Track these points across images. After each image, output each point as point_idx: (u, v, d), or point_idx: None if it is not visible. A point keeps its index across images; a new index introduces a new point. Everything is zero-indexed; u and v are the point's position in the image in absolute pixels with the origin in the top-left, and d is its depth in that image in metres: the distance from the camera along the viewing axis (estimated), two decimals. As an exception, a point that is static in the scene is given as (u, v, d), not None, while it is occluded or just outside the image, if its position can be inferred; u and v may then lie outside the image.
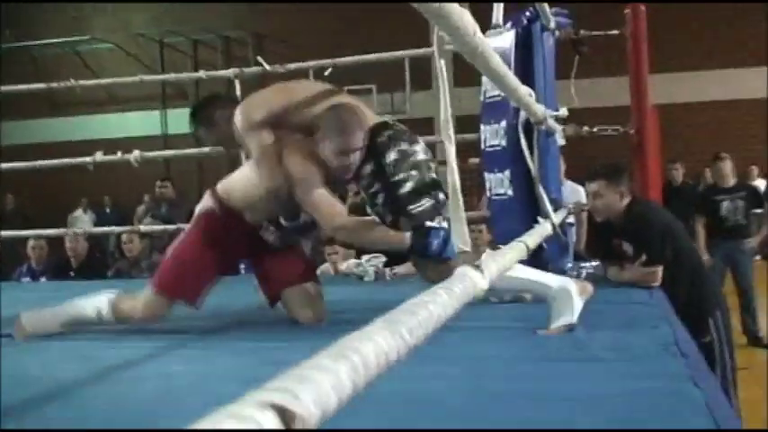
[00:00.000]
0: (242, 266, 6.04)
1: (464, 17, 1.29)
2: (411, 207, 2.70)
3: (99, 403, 2.11)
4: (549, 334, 2.70)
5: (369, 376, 0.67)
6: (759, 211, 7.03)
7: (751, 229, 6.93)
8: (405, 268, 4.99)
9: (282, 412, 0.49)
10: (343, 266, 5.15)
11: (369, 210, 2.84)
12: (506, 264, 1.60)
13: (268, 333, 3.09)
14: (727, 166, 7.00)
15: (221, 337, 3.06)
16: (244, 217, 3.07)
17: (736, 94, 13.68)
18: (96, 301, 3.04)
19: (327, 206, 2.79)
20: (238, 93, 5.13)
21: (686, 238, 4.22)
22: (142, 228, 5.84)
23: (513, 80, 2.07)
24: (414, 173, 2.74)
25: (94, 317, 3.03)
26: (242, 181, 3.15)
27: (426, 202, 2.68)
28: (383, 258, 4.70)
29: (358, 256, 4.94)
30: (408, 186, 2.73)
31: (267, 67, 4.94)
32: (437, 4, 1.09)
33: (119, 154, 5.19)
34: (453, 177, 1.45)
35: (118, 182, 13.56)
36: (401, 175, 2.75)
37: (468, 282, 1.20)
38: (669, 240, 3.80)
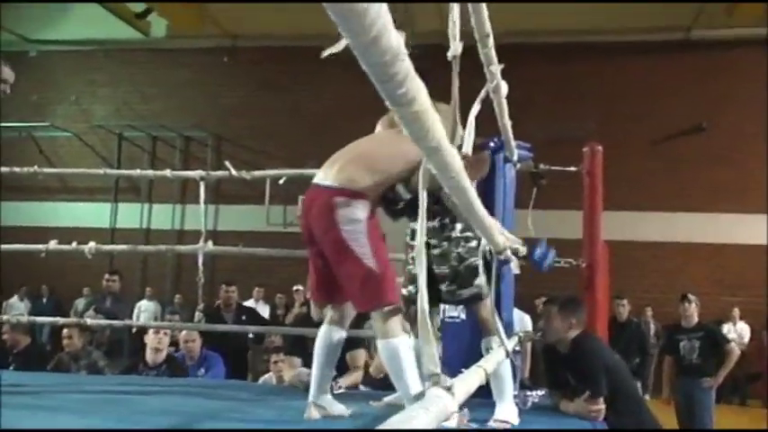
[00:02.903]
0: (201, 371, 5.92)
1: (454, 156, 1.38)
2: None
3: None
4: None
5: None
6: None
7: (709, 369, 7.10)
8: (349, 380, 4.96)
9: None
10: (287, 376, 5.08)
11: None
12: (471, 387, 1.63)
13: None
14: (692, 307, 7.28)
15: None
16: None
17: (680, 237, 14.15)
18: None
19: None
20: (202, 194, 5.15)
21: (627, 377, 4.32)
22: (88, 321, 5.71)
23: (483, 211, 2.16)
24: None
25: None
26: (384, 169, 3.25)
27: None
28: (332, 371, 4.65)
29: (305, 365, 4.88)
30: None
31: (234, 171, 5.00)
32: (435, 143, 1.18)
33: (73, 244, 5.14)
34: (423, 302, 1.50)
35: (57, 271, 13.35)
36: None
37: (441, 404, 1.23)
38: (610, 378, 3.89)
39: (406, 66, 0.96)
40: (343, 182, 3.18)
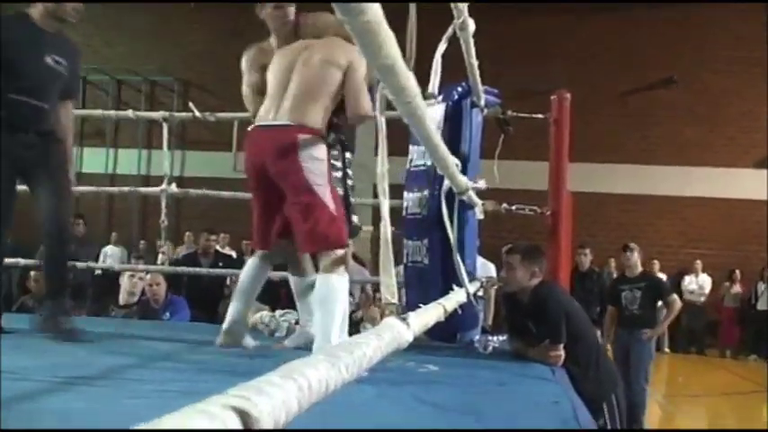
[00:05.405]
0: (166, 315, 5.94)
1: (410, 79, 1.35)
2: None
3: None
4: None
5: (311, 399, 0.70)
6: (660, 303, 7.20)
7: (649, 320, 7.06)
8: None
9: (243, 415, 0.51)
10: (251, 319, 5.08)
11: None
12: (428, 320, 1.64)
13: (172, 377, 3.02)
14: (634, 256, 7.22)
15: (127, 378, 2.97)
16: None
17: (646, 190, 14.30)
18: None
19: None
20: (165, 136, 5.09)
21: (587, 324, 4.35)
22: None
23: (443, 148, 2.15)
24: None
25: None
26: (320, 106, 3.31)
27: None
28: (296, 315, 4.67)
29: (272, 310, 4.89)
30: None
31: (197, 113, 4.95)
32: (390, 61, 1.14)
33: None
34: (386, 230, 1.51)
35: (21, 217, 13.13)
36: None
37: (395, 332, 1.24)
38: (568, 324, 3.92)
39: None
40: (302, 120, 3.21)
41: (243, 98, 3.77)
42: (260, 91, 3.58)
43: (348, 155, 3.72)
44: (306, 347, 3.38)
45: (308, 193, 3.15)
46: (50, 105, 3.81)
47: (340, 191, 3.54)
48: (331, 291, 3.13)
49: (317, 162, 3.16)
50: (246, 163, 3.38)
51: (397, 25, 1.13)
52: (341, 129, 3.57)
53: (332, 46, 3.43)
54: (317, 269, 3.42)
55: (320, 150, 3.19)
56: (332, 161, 3.44)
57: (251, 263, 3.52)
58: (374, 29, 1.03)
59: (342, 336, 3.13)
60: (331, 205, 3.17)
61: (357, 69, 3.34)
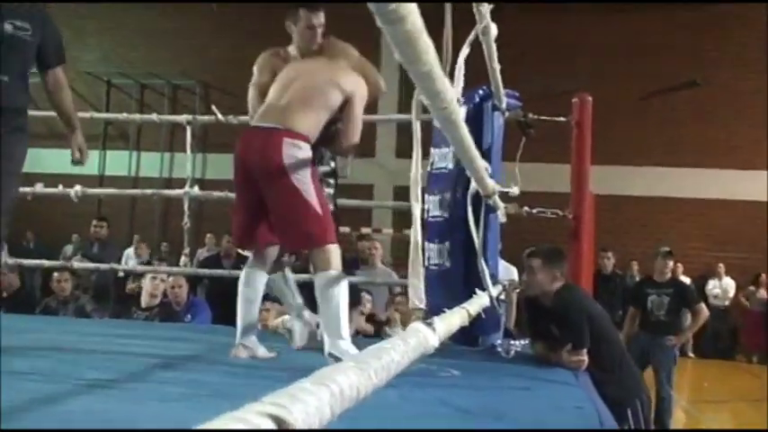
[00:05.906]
0: (188, 317, 5.98)
1: (446, 84, 1.36)
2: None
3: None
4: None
5: (343, 405, 0.70)
6: (686, 309, 7.13)
7: (675, 327, 6.99)
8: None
9: (279, 421, 0.52)
10: (273, 323, 5.09)
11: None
12: (453, 325, 1.65)
13: (199, 378, 3.04)
14: (668, 263, 7.15)
15: (151, 380, 3.00)
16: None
17: (669, 192, 14.19)
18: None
19: None
20: (189, 139, 5.13)
21: (610, 327, 4.32)
22: (75, 264, 5.72)
23: (474, 151, 2.15)
24: None
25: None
26: (312, 115, 3.38)
27: None
28: (316, 317, 4.67)
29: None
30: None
31: (220, 116, 4.98)
32: (428, 68, 1.15)
33: (59, 187, 5.12)
34: (416, 235, 1.53)
35: (44, 219, 13.28)
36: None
37: (420, 337, 1.24)
38: (591, 328, 3.89)
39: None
40: (289, 124, 3.29)
41: (247, 97, 3.81)
42: (265, 93, 3.64)
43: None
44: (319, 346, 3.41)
45: (292, 192, 3.22)
46: (13, 77, 3.37)
47: (330, 207, 3.64)
48: (332, 288, 3.20)
49: (300, 163, 3.24)
50: (234, 161, 3.47)
51: (430, 29, 1.13)
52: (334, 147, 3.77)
53: (340, 70, 3.55)
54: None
55: (304, 152, 3.27)
56: (325, 178, 3.73)
57: (244, 271, 3.63)
58: (414, 37, 1.03)
59: None
60: (315, 204, 3.24)
61: (358, 101, 3.46)
